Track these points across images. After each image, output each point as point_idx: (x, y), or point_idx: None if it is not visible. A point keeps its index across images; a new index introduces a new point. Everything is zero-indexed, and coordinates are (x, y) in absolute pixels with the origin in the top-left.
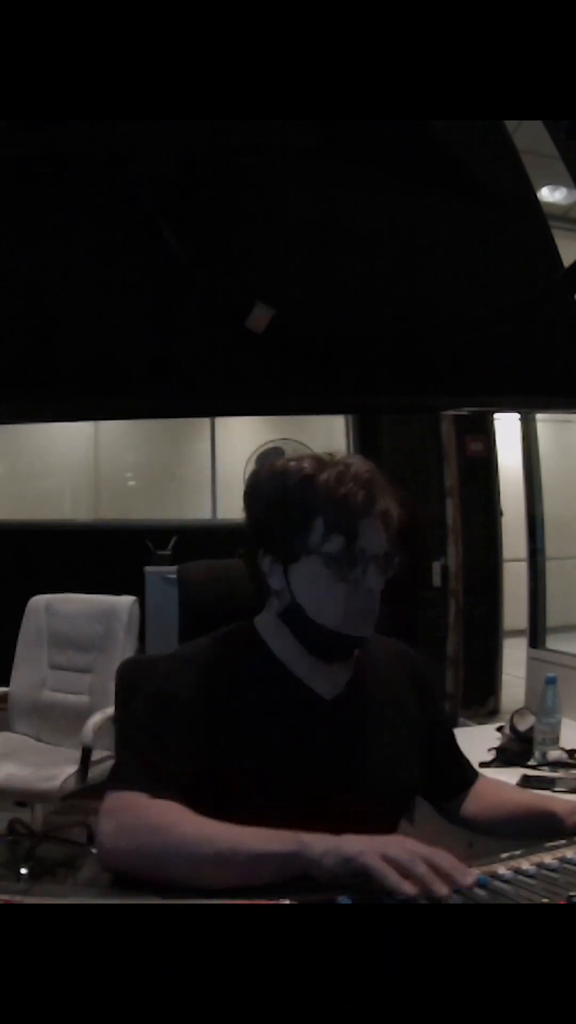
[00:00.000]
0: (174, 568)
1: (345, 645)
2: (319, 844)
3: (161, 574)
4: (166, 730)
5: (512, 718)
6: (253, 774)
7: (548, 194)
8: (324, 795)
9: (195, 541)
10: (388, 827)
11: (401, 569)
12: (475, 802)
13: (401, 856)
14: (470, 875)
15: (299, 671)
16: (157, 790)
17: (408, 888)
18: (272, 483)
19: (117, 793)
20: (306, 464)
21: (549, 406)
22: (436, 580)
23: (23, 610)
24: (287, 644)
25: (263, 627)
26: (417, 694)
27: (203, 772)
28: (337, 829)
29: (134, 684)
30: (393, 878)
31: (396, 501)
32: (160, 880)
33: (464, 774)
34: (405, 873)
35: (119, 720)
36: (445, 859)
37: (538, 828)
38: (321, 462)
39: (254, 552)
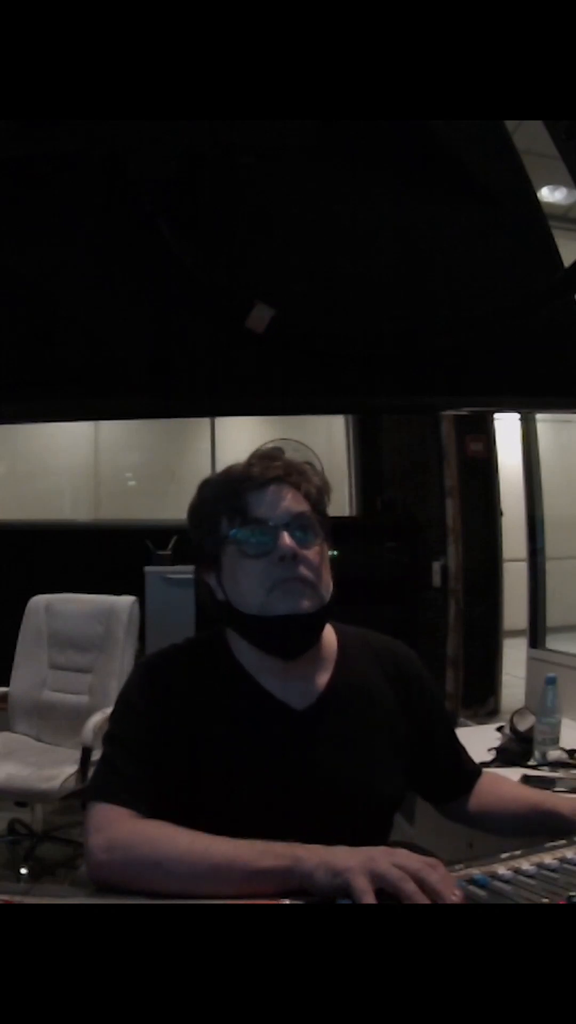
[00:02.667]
0: (174, 568)
1: (287, 630)
2: (312, 858)
3: (161, 574)
4: (133, 742)
5: (512, 718)
6: (222, 787)
7: (548, 194)
8: (296, 808)
9: None
10: (368, 839)
11: (329, 529)
12: (480, 800)
13: (389, 873)
14: (457, 893)
15: (267, 681)
16: (131, 803)
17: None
18: (190, 505)
19: (100, 805)
20: (216, 473)
21: (549, 406)
22: (436, 580)
23: (23, 610)
24: (251, 654)
25: (232, 637)
26: (406, 696)
27: (170, 784)
28: (316, 842)
29: None
30: (369, 900)
31: (307, 472)
32: (153, 894)
33: (467, 774)
34: (391, 890)
35: None
36: (434, 874)
37: (545, 826)
38: (230, 465)
39: (200, 574)
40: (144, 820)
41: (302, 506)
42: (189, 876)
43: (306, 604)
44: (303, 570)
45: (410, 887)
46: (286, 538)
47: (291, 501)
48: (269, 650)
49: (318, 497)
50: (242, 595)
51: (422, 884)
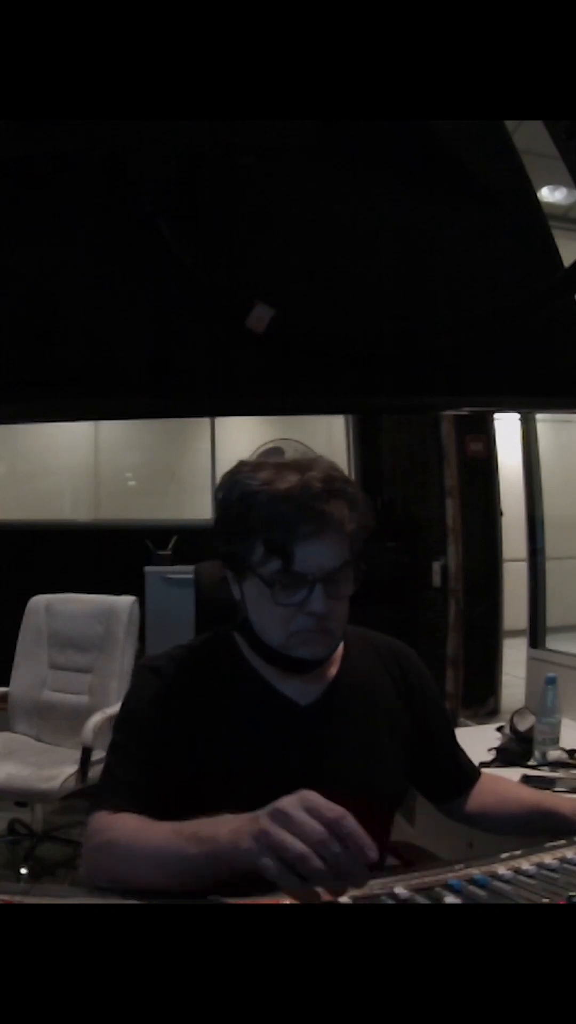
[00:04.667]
0: (174, 568)
1: (298, 665)
2: (226, 836)
3: (161, 574)
4: (133, 748)
5: (512, 718)
6: (227, 783)
7: (548, 194)
8: None
9: (195, 541)
10: (371, 834)
11: (366, 577)
12: (479, 800)
13: (278, 839)
14: (372, 849)
15: (273, 677)
16: (128, 809)
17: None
18: (225, 492)
19: (99, 814)
20: (257, 476)
21: (549, 406)
22: (436, 580)
23: (23, 610)
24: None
25: (240, 635)
26: (408, 695)
27: (176, 782)
28: None
29: None
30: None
31: (358, 509)
32: (143, 890)
33: (466, 773)
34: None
35: None
36: (348, 822)
37: (543, 826)
38: (276, 473)
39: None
40: (127, 819)
41: (344, 554)
42: (152, 868)
43: (323, 651)
44: (327, 623)
45: (298, 847)
46: (321, 598)
47: (333, 554)
48: (276, 667)
49: (360, 536)
50: (262, 626)
51: (338, 833)
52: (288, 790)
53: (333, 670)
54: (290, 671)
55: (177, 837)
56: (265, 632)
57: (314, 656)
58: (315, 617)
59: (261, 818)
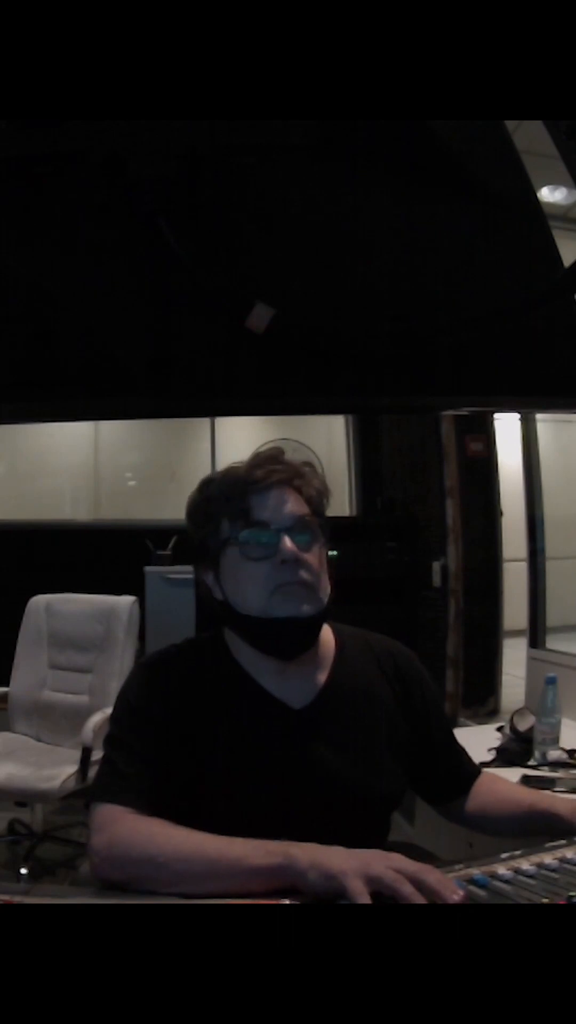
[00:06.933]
0: (174, 568)
1: (287, 633)
2: (305, 858)
3: (161, 574)
4: (133, 742)
5: (512, 718)
6: (221, 786)
7: (548, 194)
8: (295, 807)
9: None
10: (367, 837)
11: (328, 530)
12: (478, 800)
13: (385, 876)
14: (456, 892)
15: (265, 680)
16: (133, 803)
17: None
18: (189, 499)
19: (103, 806)
20: (218, 472)
21: (549, 406)
22: (436, 580)
23: (23, 610)
24: (249, 653)
25: (230, 637)
26: (404, 696)
27: (171, 783)
28: (315, 841)
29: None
30: (364, 903)
31: (308, 474)
32: (151, 889)
33: (465, 774)
34: (388, 893)
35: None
36: (431, 876)
37: (542, 827)
38: (232, 465)
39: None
40: (143, 818)
41: (303, 509)
42: (184, 873)
43: (306, 608)
44: (303, 574)
45: (407, 889)
46: (288, 542)
47: (293, 505)
48: (267, 651)
49: (318, 500)
50: (243, 597)
51: (420, 886)
52: (283, 793)
53: (326, 672)
54: (276, 648)
55: (242, 846)
56: (246, 601)
57: (296, 613)
58: (289, 566)
59: (372, 864)
